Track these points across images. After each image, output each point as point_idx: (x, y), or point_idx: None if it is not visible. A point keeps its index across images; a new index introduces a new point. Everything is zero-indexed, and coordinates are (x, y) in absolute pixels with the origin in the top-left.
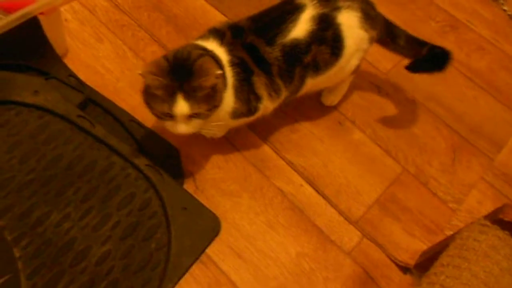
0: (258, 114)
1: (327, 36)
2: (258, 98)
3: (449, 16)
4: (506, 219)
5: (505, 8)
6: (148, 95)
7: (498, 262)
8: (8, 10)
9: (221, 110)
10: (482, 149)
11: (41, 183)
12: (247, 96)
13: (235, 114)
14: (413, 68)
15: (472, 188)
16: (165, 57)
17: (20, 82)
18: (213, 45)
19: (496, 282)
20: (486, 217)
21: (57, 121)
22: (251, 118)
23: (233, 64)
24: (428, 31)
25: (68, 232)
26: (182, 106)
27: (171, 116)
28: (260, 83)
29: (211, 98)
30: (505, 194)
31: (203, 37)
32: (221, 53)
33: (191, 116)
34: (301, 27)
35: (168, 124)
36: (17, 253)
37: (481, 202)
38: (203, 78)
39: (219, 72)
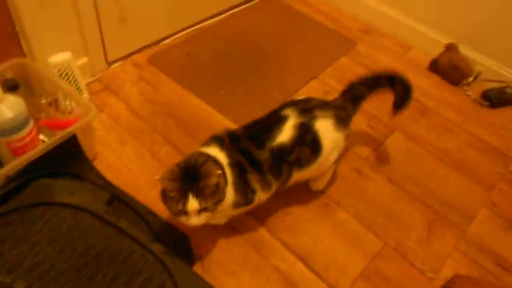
0: (254, 204)
1: (307, 139)
2: (253, 191)
3: (419, 104)
4: None
5: (469, 93)
6: (165, 197)
7: None
8: (51, 127)
9: (224, 203)
10: (455, 221)
11: (75, 269)
12: (244, 190)
13: (235, 205)
14: (396, 107)
15: (447, 258)
16: (178, 165)
17: (59, 186)
18: (214, 150)
19: None
20: (443, 287)
21: (88, 217)
22: (248, 207)
23: (231, 165)
24: (401, 118)
25: None
26: (193, 204)
27: (185, 212)
28: (254, 180)
29: (216, 194)
30: (477, 262)
31: (206, 143)
32: (222, 157)
33: (200, 211)
34: (285, 134)
35: (182, 219)
36: None
37: (456, 271)
38: (207, 179)
39: (220, 172)
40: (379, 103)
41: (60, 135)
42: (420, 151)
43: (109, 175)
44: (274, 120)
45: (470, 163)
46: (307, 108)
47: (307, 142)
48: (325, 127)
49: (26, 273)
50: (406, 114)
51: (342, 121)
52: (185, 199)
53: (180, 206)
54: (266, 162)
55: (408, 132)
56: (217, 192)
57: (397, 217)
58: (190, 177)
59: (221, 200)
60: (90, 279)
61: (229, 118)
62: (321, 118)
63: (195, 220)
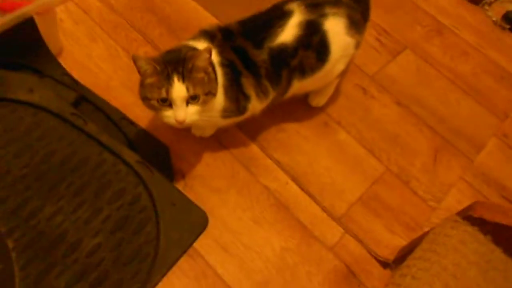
0: (247, 114)
1: (313, 41)
2: (246, 98)
3: (435, 21)
4: (475, 215)
5: (489, 13)
6: (144, 88)
7: (466, 256)
8: (4, 10)
9: (212, 107)
10: (463, 150)
11: (35, 177)
12: (236, 96)
13: (225, 112)
14: None
15: (451, 188)
16: (158, 54)
17: (15, 80)
18: (204, 46)
19: (463, 274)
20: (459, 213)
21: (51, 118)
22: (240, 118)
23: (223, 64)
24: (414, 36)
25: (60, 225)
26: (179, 89)
27: (169, 105)
28: (248, 84)
29: (206, 83)
30: (483, 193)
31: (194, 38)
32: (212, 54)
33: (188, 102)
34: (288, 32)
35: (167, 115)
36: (10, 244)
37: (460, 201)
38: (195, 59)
39: (208, 56)
40: (391, 16)
41: (13, 15)
42: (432, 73)
43: (76, 73)
44: (276, 15)
45: (484, 89)
46: (316, 3)
47: (313, 45)
48: (336, 28)
49: None
50: (420, 31)
51: (355, 24)
52: (169, 83)
53: (164, 93)
54: (264, 65)
55: (420, 50)
56: (208, 81)
57: (402, 142)
58: (173, 61)
59: (212, 93)
60: (52, 188)
61: (219, 18)
62: (332, 16)
63: (182, 114)
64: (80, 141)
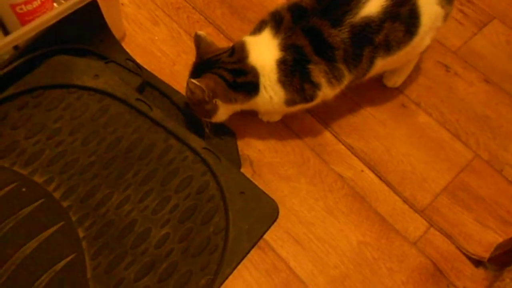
0: (317, 101)
1: (402, 12)
2: (315, 86)
3: None
4: None
5: None
6: None
7: None
8: None
9: (271, 101)
10: None
11: (102, 165)
12: (301, 86)
13: (290, 103)
14: None
15: None
16: None
17: (80, 66)
18: (265, 40)
19: None
20: None
21: (116, 104)
22: (308, 105)
23: (281, 62)
24: (502, 4)
25: (128, 214)
26: None
27: None
28: (318, 71)
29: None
30: None
31: (258, 28)
32: (271, 49)
33: None
34: (374, 3)
35: None
36: (81, 233)
37: None
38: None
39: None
40: None
41: None
42: None
43: (140, 58)
44: None
45: None
46: None
47: (403, 16)
48: None
49: (46, 165)
50: None
51: None
52: None
53: None
54: (342, 46)
55: (510, 21)
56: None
57: (492, 124)
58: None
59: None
60: (119, 176)
61: None
62: None
63: None
64: (146, 128)
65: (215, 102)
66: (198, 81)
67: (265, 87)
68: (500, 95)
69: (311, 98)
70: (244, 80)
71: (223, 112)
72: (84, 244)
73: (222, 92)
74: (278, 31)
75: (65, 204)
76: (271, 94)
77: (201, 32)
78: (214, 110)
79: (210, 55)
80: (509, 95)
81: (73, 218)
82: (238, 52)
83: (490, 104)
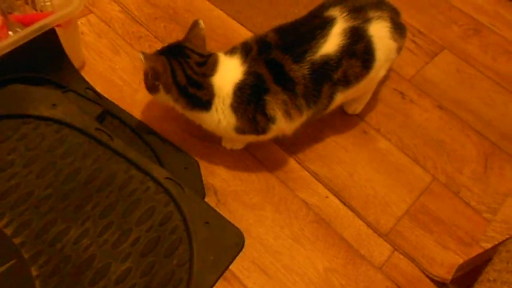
0: (270, 135)
1: (358, 49)
2: (268, 119)
3: (472, 20)
4: None
5: None
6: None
7: None
8: (25, 23)
9: (222, 125)
10: None
11: (59, 198)
12: (253, 116)
13: (240, 131)
14: None
15: (507, 197)
16: None
17: (37, 95)
18: (234, 63)
19: None
20: None
21: (75, 134)
22: (261, 137)
23: (239, 87)
24: (451, 36)
25: (87, 249)
26: None
27: None
28: (274, 103)
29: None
30: None
31: (230, 51)
32: (234, 74)
33: None
34: (331, 42)
35: None
36: (34, 271)
37: None
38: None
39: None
40: (424, 16)
41: (34, 27)
42: (473, 74)
43: (100, 87)
44: (318, 24)
45: None
46: (359, 6)
47: (358, 52)
48: (381, 33)
49: None
50: (456, 31)
51: (398, 27)
52: None
53: None
54: (302, 81)
55: (459, 51)
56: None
57: (448, 148)
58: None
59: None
60: (78, 209)
61: (247, 26)
62: (377, 20)
63: None
64: (106, 158)
65: (158, 84)
66: (148, 57)
67: (216, 109)
68: (453, 120)
69: (263, 131)
70: (194, 93)
71: (163, 99)
72: (37, 283)
73: (165, 82)
74: (245, 60)
75: (17, 240)
76: (221, 117)
77: (201, 21)
78: (154, 90)
79: (189, 45)
80: (461, 120)
81: (26, 256)
82: (209, 67)
83: (444, 128)
